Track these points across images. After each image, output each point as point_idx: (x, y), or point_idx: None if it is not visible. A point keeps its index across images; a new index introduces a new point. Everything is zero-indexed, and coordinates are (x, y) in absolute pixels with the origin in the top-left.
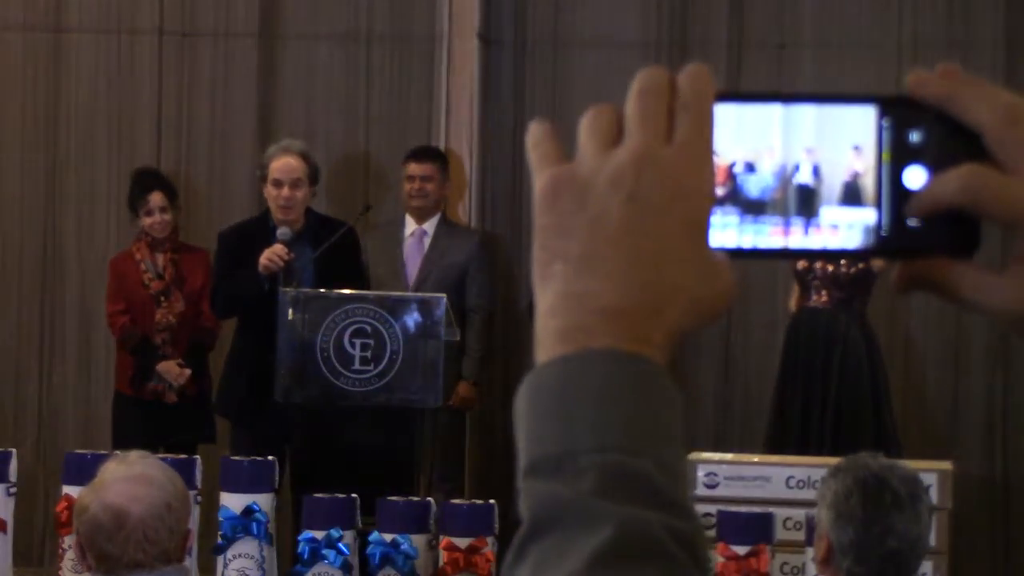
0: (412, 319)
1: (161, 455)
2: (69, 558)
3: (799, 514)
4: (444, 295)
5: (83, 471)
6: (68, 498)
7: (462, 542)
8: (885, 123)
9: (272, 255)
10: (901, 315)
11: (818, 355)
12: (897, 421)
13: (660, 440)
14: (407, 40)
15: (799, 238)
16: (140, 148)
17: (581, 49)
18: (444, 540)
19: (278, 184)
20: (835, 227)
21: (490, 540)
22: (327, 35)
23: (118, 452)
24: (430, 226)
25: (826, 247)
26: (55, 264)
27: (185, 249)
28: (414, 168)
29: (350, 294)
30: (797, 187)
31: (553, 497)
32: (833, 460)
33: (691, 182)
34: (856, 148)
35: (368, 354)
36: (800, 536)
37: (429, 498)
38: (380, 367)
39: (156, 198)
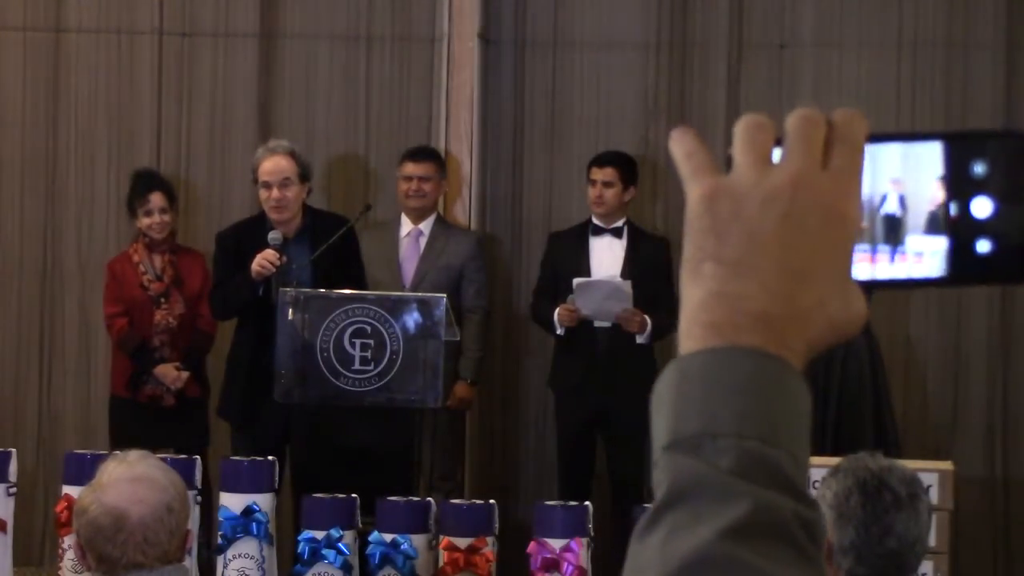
0: (412, 319)
1: (161, 455)
2: (69, 558)
3: None
4: (444, 295)
5: (83, 471)
6: (68, 498)
7: (462, 542)
8: (950, 157)
9: (263, 260)
10: (901, 316)
11: (819, 356)
12: (897, 421)
13: (794, 437)
14: (407, 40)
15: (885, 266)
16: (140, 148)
17: (581, 49)
18: (444, 540)
19: (267, 186)
20: (919, 255)
21: (490, 540)
22: (327, 35)
23: (118, 452)
24: (426, 226)
25: (908, 276)
26: (55, 265)
27: (182, 251)
28: (412, 168)
29: (350, 294)
30: (884, 217)
31: (692, 471)
32: (833, 460)
33: (842, 209)
34: (940, 179)
35: (368, 354)
36: None
37: (429, 498)
38: (380, 367)
39: (156, 199)
